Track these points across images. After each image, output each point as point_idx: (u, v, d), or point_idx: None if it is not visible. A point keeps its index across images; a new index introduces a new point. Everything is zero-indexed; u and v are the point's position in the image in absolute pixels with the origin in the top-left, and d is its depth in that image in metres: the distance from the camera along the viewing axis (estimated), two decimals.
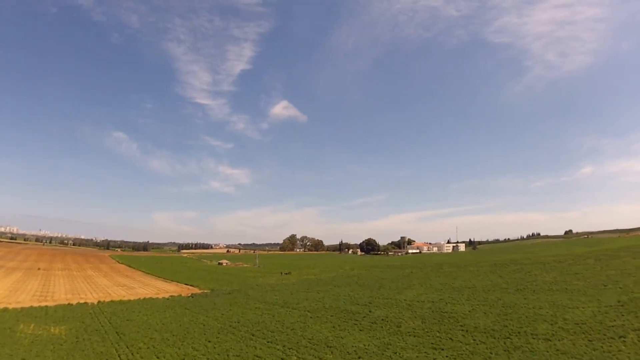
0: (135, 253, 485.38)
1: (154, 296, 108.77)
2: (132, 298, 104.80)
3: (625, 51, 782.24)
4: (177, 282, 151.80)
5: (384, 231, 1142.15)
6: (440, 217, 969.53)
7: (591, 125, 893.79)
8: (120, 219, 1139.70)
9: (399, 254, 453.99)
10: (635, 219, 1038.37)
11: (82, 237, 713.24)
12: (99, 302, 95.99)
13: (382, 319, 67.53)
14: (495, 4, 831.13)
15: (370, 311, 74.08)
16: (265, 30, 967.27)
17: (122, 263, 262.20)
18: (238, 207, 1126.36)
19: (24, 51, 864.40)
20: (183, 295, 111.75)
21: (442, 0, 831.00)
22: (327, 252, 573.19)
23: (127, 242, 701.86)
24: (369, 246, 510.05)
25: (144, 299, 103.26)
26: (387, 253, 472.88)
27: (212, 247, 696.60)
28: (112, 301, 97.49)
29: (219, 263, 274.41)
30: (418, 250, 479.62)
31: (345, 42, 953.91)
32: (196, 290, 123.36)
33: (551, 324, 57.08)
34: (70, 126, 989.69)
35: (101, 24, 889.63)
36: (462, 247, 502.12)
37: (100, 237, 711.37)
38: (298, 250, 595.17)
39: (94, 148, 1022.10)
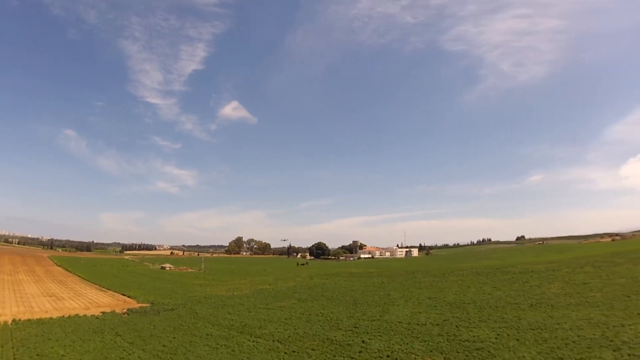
0: (77, 254, 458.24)
1: (84, 312, 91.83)
2: (56, 315, 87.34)
3: (585, 63, 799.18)
4: (114, 291, 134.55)
5: (332, 235, 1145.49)
6: (388, 221, 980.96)
7: (545, 134, 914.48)
8: (67, 218, 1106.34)
9: (351, 258, 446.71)
10: (588, 225, 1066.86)
11: (29, 235, 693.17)
12: (14, 320, 78.78)
13: (387, 356, 49.84)
14: (453, 13, 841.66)
15: (363, 342, 57.27)
16: (220, 31, 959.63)
17: (59, 265, 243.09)
18: (185, 209, 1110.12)
19: None
20: (117, 311, 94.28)
21: (399, 8, 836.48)
22: (275, 255, 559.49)
23: (72, 241, 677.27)
24: (318, 250, 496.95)
25: (71, 316, 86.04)
26: (339, 258, 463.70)
27: (156, 249, 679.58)
28: (30, 320, 79.90)
29: (162, 267, 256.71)
30: (370, 255, 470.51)
31: (301, 46, 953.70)
32: (133, 304, 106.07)
33: (615, 350, 43.44)
34: (19, 121, 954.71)
35: (59, 18, 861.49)
36: (415, 252, 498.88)
37: (47, 236, 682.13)
38: (244, 253, 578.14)
39: (44, 145, 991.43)
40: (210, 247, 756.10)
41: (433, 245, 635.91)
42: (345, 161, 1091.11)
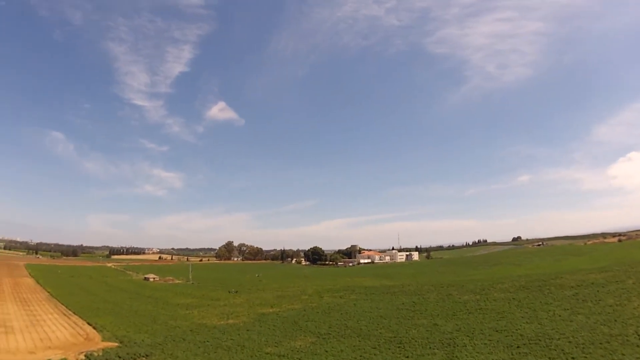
0: (59, 261, 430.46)
1: (27, 357, 69.09)
2: None
3: (566, 65, 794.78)
4: (81, 316, 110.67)
5: (322, 238, 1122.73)
6: (374, 222, 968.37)
7: (528, 135, 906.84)
8: (55, 222, 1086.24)
9: (350, 264, 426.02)
10: (579, 225, 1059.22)
11: (18, 239, 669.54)
12: None
13: None
14: (437, 16, 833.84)
15: None
16: (205, 32, 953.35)
17: (32, 276, 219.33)
18: (171, 211, 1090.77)
19: None
20: (69, 359, 68.72)
21: (384, 10, 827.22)
22: (268, 261, 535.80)
23: (60, 245, 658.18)
24: (315, 255, 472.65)
25: None
26: (337, 263, 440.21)
27: (144, 252, 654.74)
28: None
29: (146, 278, 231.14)
30: (370, 260, 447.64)
31: (285, 48, 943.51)
32: (96, 342, 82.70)
33: None
34: (5, 123, 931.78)
35: (45, 19, 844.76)
36: (415, 256, 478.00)
37: (35, 240, 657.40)
38: (235, 259, 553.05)
39: (31, 147, 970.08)
40: (200, 249, 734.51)
41: (427, 247, 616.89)
42: (328, 162, 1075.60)
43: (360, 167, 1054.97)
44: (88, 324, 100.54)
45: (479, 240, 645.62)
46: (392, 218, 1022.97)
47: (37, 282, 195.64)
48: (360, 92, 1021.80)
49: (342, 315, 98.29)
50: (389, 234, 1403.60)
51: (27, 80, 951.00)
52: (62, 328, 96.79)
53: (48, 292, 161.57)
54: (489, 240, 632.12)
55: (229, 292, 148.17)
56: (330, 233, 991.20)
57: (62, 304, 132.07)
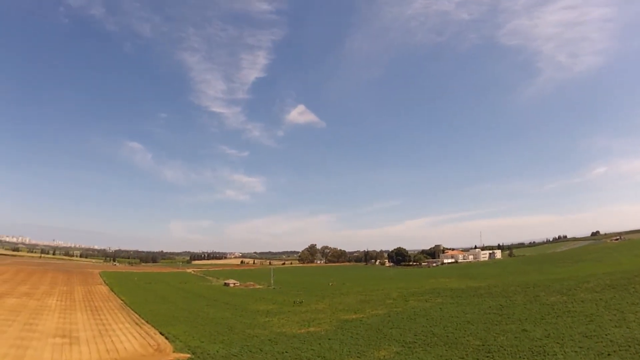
0: (136, 267, 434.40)
1: None
2: None
3: (634, 50, 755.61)
4: (153, 325, 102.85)
5: (405, 238, 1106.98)
6: (454, 221, 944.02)
7: (602, 125, 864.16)
8: (136, 229, 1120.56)
9: (434, 264, 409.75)
10: None
11: (96, 247, 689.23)
12: None
13: None
14: (506, 7, 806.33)
15: None
16: (278, 37, 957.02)
17: (106, 284, 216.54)
18: (253, 215, 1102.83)
19: (37, 63, 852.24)
20: None
21: (454, 5, 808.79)
22: (351, 263, 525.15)
23: (140, 252, 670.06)
24: (399, 256, 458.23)
25: None
26: (420, 264, 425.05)
27: (226, 257, 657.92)
28: None
29: (226, 283, 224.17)
30: (453, 260, 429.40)
31: (359, 49, 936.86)
32: (167, 353, 73.77)
33: None
34: (84, 137, 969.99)
35: (114, 34, 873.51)
36: (498, 254, 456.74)
37: (114, 247, 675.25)
38: (318, 262, 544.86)
39: (109, 158, 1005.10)
40: (283, 253, 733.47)
41: (509, 244, 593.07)
42: (409, 161, 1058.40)
43: (441, 165, 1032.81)
44: (160, 333, 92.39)
45: (559, 236, 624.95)
46: (473, 216, 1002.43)
47: (111, 289, 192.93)
48: (437, 89, 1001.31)
49: (428, 321, 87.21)
50: (471, 232, 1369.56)
51: (100, 94, 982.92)
52: (132, 338, 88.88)
53: (121, 300, 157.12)
54: (568, 236, 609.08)
55: (294, 302, 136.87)
56: (412, 233, 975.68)
57: (135, 312, 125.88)
